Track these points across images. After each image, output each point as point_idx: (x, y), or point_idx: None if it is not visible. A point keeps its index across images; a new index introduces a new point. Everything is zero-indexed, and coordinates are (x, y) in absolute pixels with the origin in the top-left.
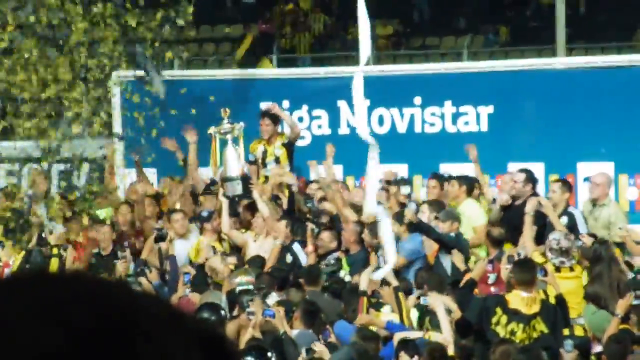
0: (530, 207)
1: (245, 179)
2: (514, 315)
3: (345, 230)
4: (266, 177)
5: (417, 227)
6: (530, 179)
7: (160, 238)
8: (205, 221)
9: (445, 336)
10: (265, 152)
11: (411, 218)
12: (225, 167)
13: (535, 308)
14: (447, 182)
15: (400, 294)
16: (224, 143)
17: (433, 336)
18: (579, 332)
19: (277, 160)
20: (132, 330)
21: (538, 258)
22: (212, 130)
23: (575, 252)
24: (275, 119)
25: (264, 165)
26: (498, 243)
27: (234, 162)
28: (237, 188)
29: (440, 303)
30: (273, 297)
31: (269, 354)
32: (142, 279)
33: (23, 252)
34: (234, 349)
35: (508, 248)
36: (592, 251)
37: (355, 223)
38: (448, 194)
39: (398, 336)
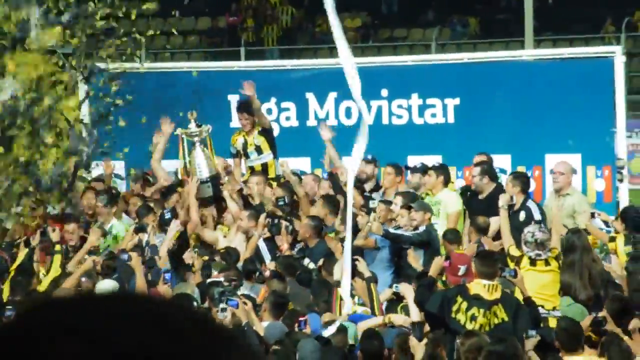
0: (503, 202)
1: (215, 179)
2: (474, 300)
3: (301, 225)
4: (251, 168)
5: (385, 236)
6: (486, 171)
7: (141, 229)
8: (167, 224)
9: (406, 318)
10: (245, 143)
11: (376, 231)
12: (194, 171)
13: (497, 295)
14: (409, 171)
15: (372, 285)
16: (191, 145)
17: (393, 318)
18: (552, 324)
19: (258, 149)
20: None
21: (514, 252)
22: (178, 131)
23: (550, 244)
24: (251, 110)
25: (247, 156)
26: (483, 231)
27: (203, 165)
28: (208, 191)
29: (411, 290)
30: (245, 289)
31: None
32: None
33: (26, 250)
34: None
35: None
36: (566, 240)
37: (309, 218)
38: (425, 184)
39: (361, 326)
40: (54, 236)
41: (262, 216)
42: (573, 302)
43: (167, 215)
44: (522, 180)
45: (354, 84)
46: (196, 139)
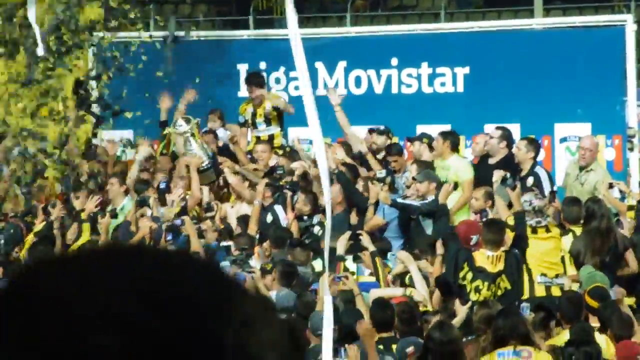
0: (497, 177)
1: (214, 161)
2: (479, 272)
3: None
4: (257, 138)
5: (394, 206)
6: (506, 137)
7: (142, 202)
8: (163, 193)
9: (422, 293)
10: (254, 114)
11: (384, 201)
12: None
13: (500, 266)
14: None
15: (377, 259)
16: (183, 142)
17: (414, 293)
18: (556, 292)
19: (267, 121)
20: (234, 316)
21: (512, 221)
22: (168, 130)
23: (550, 211)
24: (262, 83)
25: (254, 126)
26: (491, 198)
27: (201, 154)
28: (211, 176)
29: (412, 260)
30: (254, 260)
31: None
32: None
33: (44, 222)
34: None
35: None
36: (586, 209)
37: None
38: (433, 153)
39: (375, 293)
40: (78, 204)
41: (262, 183)
42: (593, 269)
43: (162, 185)
44: (535, 145)
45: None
46: (187, 134)
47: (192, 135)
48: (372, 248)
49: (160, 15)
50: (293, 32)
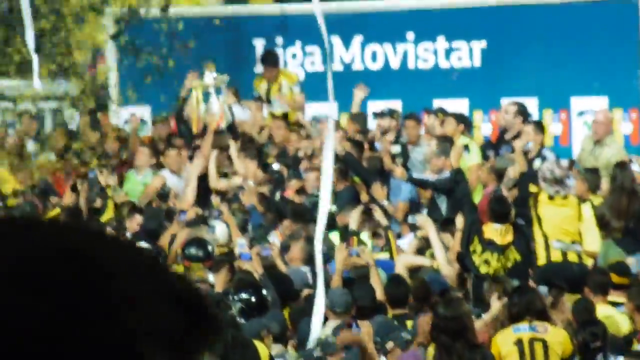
0: (518, 144)
1: (233, 128)
2: (488, 245)
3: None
4: (272, 114)
5: (409, 181)
6: (521, 112)
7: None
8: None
9: (448, 266)
10: (268, 90)
11: (400, 176)
12: (210, 120)
13: (509, 238)
14: (433, 116)
15: (390, 233)
16: (206, 96)
17: (442, 267)
18: (572, 258)
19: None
20: (106, 283)
21: (532, 188)
22: (194, 84)
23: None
24: (276, 62)
25: (269, 102)
26: (500, 175)
27: (219, 114)
28: (226, 140)
29: (431, 224)
30: (273, 236)
31: (264, 292)
32: None
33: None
34: (215, 312)
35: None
36: (612, 174)
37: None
38: (444, 131)
39: (404, 260)
40: (103, 179)
41: (252, 164)
42: (614, 245)
43: None
44: (543, 130)
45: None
46: (211, 89)
47: (217, 91)
48: (384, 222)
49: None
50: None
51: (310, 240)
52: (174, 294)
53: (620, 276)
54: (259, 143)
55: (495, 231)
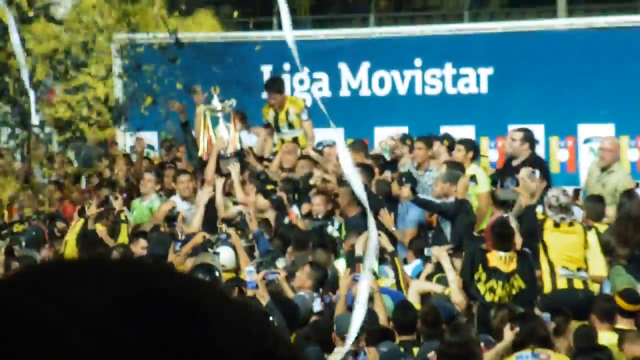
0: (524, 174)
1: (240, 155)
2: (493, 272)
3: (341, 193)
4: (282, 141)
5: (415, 202)
6: (528, 138)
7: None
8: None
9: (458, 293)
10: (276, 117)
11: (407, 196)
12: (218, 144)
13: (513, 265)
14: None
15: (397, 259)
16: (215, 121)
17: (453, 295)
18: (578, 285)
19: (290, 125)
20: (204, 340)
21: (538, 215)
22: (201, 108)
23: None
24: (281, 88)
25: (277, 129)
26: (503, 205)
27: (229, 139)
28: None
29: (446, 254)
30: (281, 262)
31: (271, 318)
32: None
33: (82, 220)
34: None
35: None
36: (619, 202)
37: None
38: (454, 159)
39: (416, 285)
40: (117, 204)
41: (253, 191)
42: (624, 272)
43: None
44: (533, 140)
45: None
46: (219, 114)
47: (225, 118)
48: (390, 248)
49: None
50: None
51: (316, 265)
52: (268, 350)
53: (630, 303)
54: (261, 170)
55: (499, 259)
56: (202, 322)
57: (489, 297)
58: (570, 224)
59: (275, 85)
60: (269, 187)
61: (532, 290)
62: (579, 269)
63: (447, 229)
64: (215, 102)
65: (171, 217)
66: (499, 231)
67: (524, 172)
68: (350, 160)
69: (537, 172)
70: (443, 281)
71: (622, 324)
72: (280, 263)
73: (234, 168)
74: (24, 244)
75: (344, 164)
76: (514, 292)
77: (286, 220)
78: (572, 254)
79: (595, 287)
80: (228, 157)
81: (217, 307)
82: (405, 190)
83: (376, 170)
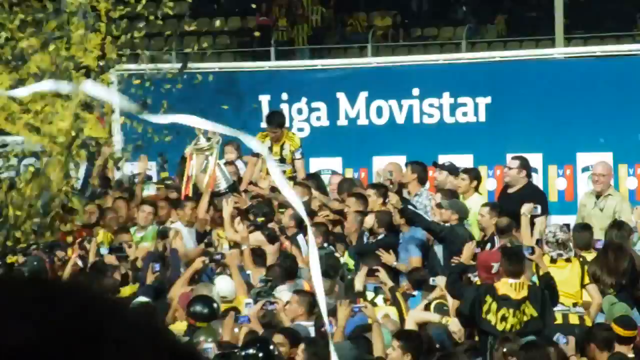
0: (525, 210)
1: (234, 189)
2: (503, 301)
3: (348, 219)
4: (267, 172)
5: (405, 214)
6: (524, 166)
7: (162, 234)
8: None
9: (457, 324)
10: (270, 149)
11: (395, 204)
12: (213, 183)
13: (524, 293)
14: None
15: (398, 293)
16: (203, 160)
17: (451, 323)
18: (574, 320)
19: (282, 160)
20: (103, 335)
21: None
22: (188, 149)
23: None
24: (282, 123)
25: None
26: (504, 232)
27: (220, 177)
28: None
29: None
30: (280, 290)
31: (271, 347)
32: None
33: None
34: None
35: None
36: (607, 234)
37: (356, 213)
38: (457, 188)
39: (414, 316)
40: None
41: (286, 215)
42: (617, 300)
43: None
44: (529, 168)
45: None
46: (207, 152)
47: (212, 154)
48: (390, 284)
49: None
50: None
51: (303, 292)
52: (166, 350)
53: (627, 329)
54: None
55: (509, 286)
56: (94, 319)
57: (500, 326)
58: (567, 260)
59: (276, 119)
60: (260, 220)
61: (543, 317)
62: (574, 305)
63: (440, 251)
64: (202, 141)
65: (163, 232)
66: (510, 258)
67: (526, 208)
68: (280, 174)
69: (539, 208)
70: (440, 308)
71: (620, 350)
72: (280, 292)
73: (226, 205)
74: (25, 274)
75: (275, 177)
76: (525, 319)
77: (285, 247)
78: (568, 290)
79: (589, 322)
80: (223, 192)
81: (107, 307)
82: (395, 199)
83: (378, 199)
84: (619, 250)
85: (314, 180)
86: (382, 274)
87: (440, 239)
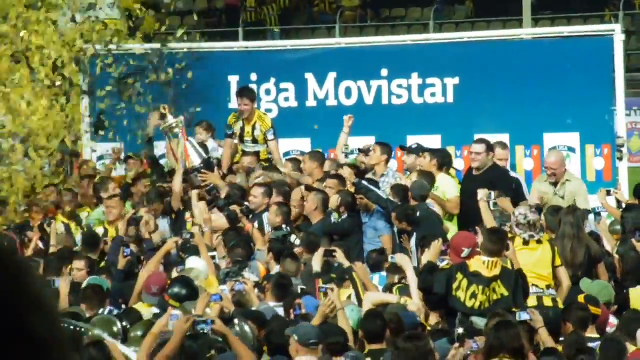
0: (482, 195)
1: (208, 163)
2: (474, 277)
3: (308, 198)
4: (244, 152)
5: (356, 186)
6: (490, 147)
7: (134, 221)
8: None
9: (417, 302)
10: (243, 129)
11: (349, 177)
12: (186, 160)
13: (496, 272)
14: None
15: (355, 274)
16: (176, 137)
17: (409, 303)
18: (547, 303)
19: (254, 140)
20: None
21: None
22: (162, 128)
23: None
24: (253, 98)
25: (242, 141)
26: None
27: (192, 153)
28: (199, 179)
29: (409, 262)
30: (247, 273)
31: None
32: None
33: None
34: (22, 265)
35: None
36: (559, 219)
37: (316, 191)
38: (421, 166)
39: (370, 297)
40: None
41: (255, 189)
42: (591, 280)
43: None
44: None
45: None
46: (177, 130)
47: (179, 131)
48: (347, 264)
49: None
50: None
51: (283, 277)
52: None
53: (595, 307)
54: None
55: (482, 264)
56: None
57: (469, 303)
58: (539, 242)
59: (248, 92)
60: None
61: (514, 298)
62: (548, 287)
63: (413, 239)
64: (170, 119)
65: (135, 219)
66: (492, 236)
67: (483, 193)
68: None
69: (493, 194)
70: (404, 291)
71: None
72: (249, 273)
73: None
74: None
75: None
76: (494, 297)
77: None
78: (541, 272)
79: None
80: (198, 168)
81: None
82: (348, 171)
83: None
84: (575, 241)
85: (295, 162)
86: (340, 254)
87: (387, 213)
